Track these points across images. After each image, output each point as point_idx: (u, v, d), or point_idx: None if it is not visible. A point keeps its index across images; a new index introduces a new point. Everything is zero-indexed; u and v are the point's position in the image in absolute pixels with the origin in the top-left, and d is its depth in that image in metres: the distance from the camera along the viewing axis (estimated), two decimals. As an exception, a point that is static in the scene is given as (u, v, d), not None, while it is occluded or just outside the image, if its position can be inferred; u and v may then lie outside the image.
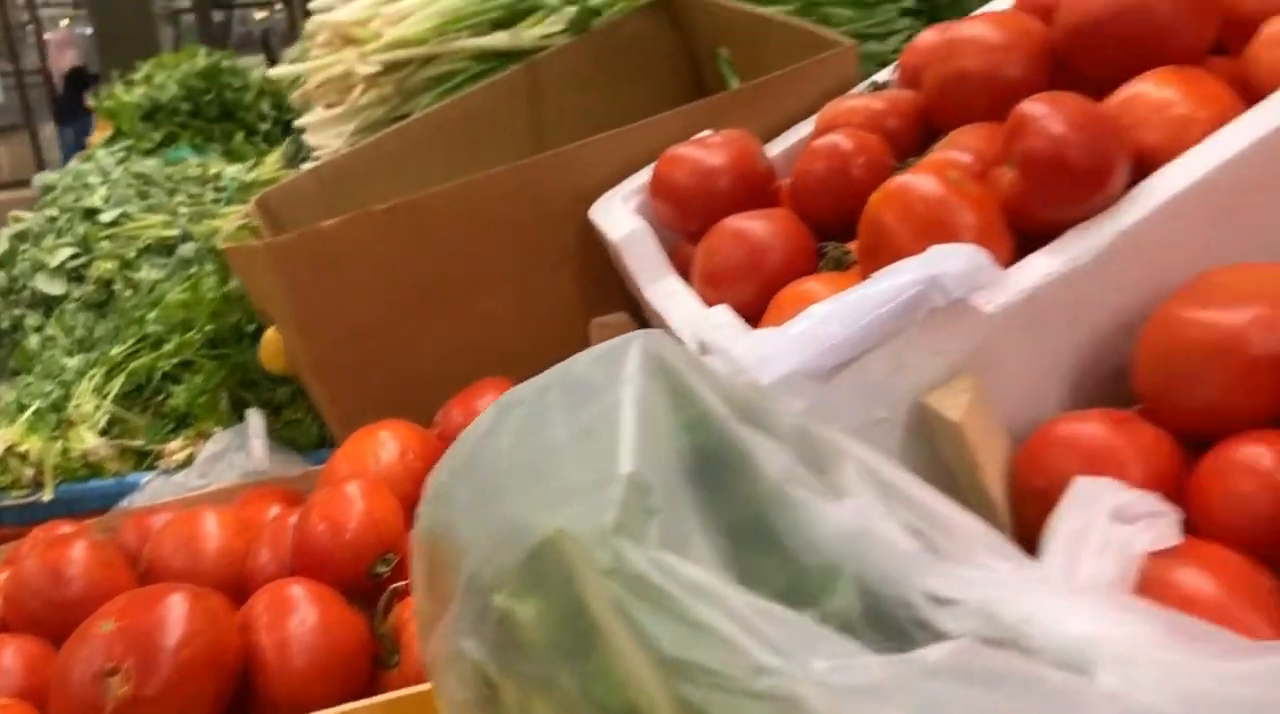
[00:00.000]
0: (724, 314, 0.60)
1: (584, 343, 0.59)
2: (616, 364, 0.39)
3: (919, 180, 0.57)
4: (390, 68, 1.13)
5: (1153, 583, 0.43)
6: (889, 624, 0.37)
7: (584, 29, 1.11)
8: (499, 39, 1.12)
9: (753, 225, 0.68)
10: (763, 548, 0.36)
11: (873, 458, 0.43)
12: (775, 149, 0.78)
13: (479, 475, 0.39)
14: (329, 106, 1.18)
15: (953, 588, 0.39)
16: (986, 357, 0.54)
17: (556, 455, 0.36)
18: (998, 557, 0.41)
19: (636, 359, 0.38)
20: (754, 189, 0.71)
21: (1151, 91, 0.58)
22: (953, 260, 0.51)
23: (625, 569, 0.30)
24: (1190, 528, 0.46)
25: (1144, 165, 0.56)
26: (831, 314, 0.52)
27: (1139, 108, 0.58)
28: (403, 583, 0.61)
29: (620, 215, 0.76)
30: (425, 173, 1.00)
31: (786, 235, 0.67)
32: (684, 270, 0.71)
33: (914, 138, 0.69)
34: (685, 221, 0.73)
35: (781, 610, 0.31)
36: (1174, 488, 0.48)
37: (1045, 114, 0.55)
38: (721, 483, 0.37)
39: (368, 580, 0.62)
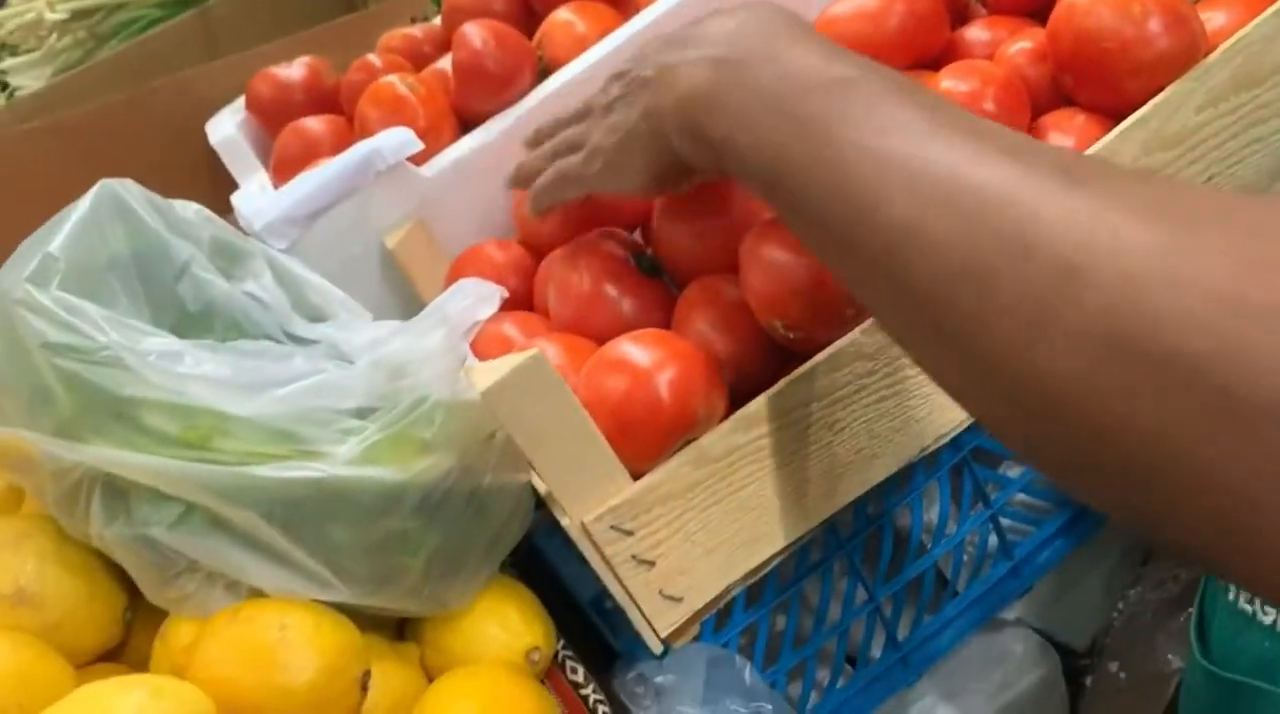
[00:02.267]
0: (253, 188, 0.80)
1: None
2: (80, 199, 0.59)
3: (387, 85, 0.78)
4: (79, 14, 1.28)
5: (485, 334, 0.66)
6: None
7: (251, -21, 1.28)
8: (176, -12, 1.28)
9: (311, 125, 0.88)
10: (165, 301, 0.57)
11: (289, 262, 0.64)
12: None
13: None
14: (28, 51, 1.32)
15: (310, 331, 0.61)
16: (431, 206, 0.76)
17: (21, 254, 0.56)
18: (354, 318, 0.63)
19: (92, 194, 0.58)
20: (320, 100, 0.92)
21: (561, 16, 0.81)
22: (390, 138, 0.73)
23: (27, 299, 0.51)
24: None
25: (553, 70, 0.79)
26: (307, 177, 0.73)
27: (552, 29, 0.81)
28: None
29: (226, 127, 0.95)
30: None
31: (336, 132, 0.88)
32: (273, 166, 0.91)
33: (437, 56, 0.90)
34: (271, 127, 0.92)
35: (137, 322, 0.52)
36: (527, 281, 0.71)
37: (470, 34, 0.77)
38: (148, 267, 0.58)
39: None
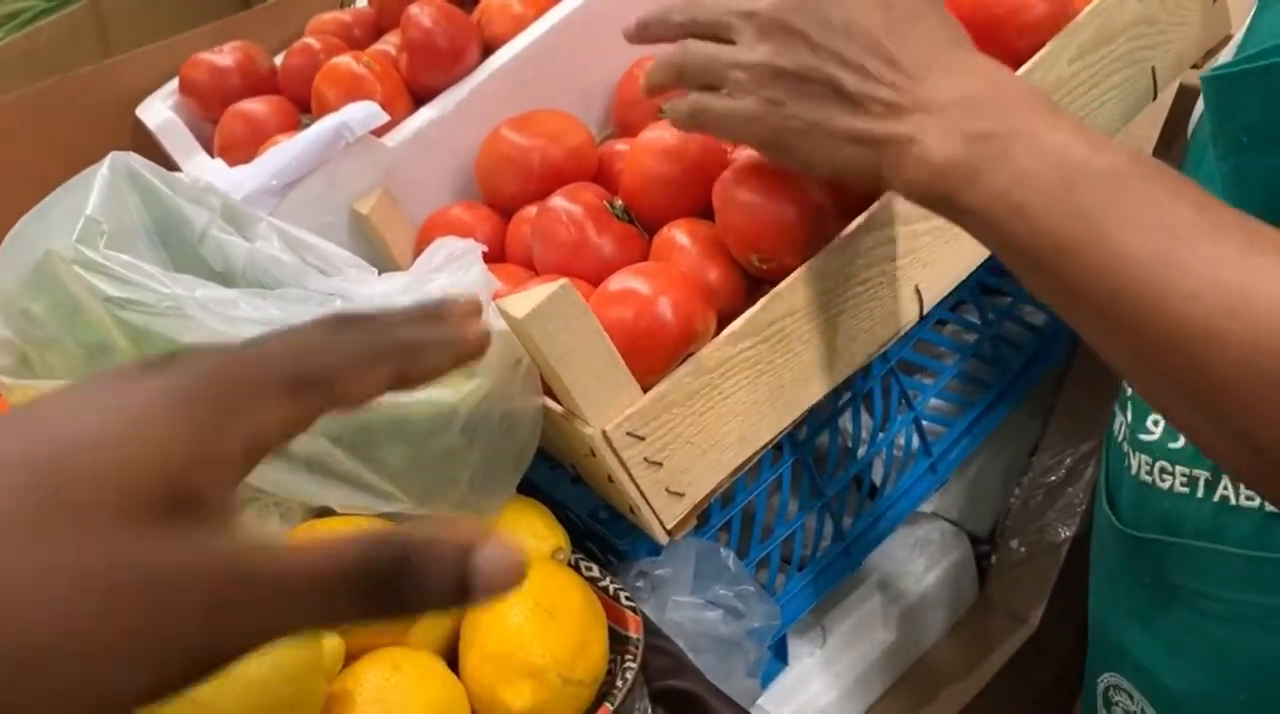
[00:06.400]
0: (219, 164, 0.84)
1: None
2: (95, 169, 0.63)
3: (343, 64, 0.83)
4: (-42, 6, 1.26)
5: (468, 287, 0.73)
6: (287, 311, 0.64)
7: (139, -33, 1.28)
8: (60, -22, 1.27)
9: (254, 107, 0.92)
10: (190, 263, 0.62)
11: (287, 227, 0.69)
12: (281, 56, 1.02)
13: (7, 250, 0.62)
14: (-99, 43, 1.28)
15: (325, 285, 0.66)
16: (395, 175, 0.82)
17: (51, 217, 0.59)
18: (363, 272, 0.69)
19: (107, 163, 0.62)
20: (256, 83, 0.95)
21: (498, -1, 0.88)
22: (356, 112, 0.79)
23: (82, 258, 0.55)
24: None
25: (494, 47, 0.86)
26: (279, 150, 0.78)
27: (491, 9, 0.87)
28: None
29: (159, 111, 0.98)
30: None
31: (279, 113, 0.92)
32: (210, 148, 0.94)
33: (371, 39, 0.95)
34: (207, 111, 0.96)
35: (181, 275, 0.57)
36: (498, 240, 0.78)
37: (419, 14, 0.83)
38: (168, 231, 0.63)
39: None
